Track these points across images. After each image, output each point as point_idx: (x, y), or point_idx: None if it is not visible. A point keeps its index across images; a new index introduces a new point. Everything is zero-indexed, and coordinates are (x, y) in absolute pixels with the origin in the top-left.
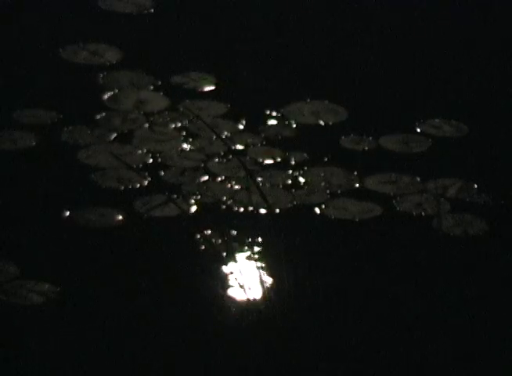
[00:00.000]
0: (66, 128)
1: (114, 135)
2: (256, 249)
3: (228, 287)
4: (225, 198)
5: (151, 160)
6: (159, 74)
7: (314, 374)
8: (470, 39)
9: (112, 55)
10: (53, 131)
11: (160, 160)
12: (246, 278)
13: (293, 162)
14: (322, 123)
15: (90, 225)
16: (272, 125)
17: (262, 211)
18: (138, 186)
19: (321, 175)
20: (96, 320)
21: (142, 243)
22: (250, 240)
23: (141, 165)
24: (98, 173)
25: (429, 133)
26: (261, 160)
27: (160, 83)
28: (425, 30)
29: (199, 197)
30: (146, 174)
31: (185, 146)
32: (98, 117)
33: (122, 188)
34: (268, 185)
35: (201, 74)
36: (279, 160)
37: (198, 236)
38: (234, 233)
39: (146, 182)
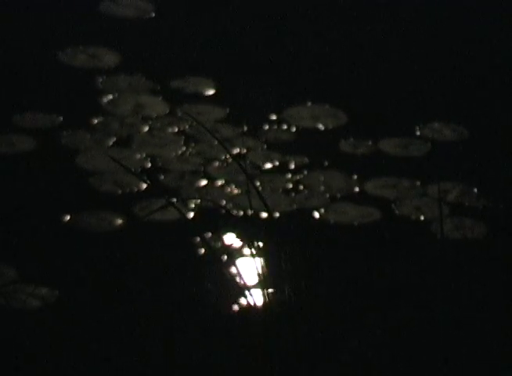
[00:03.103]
0: (65, 132)
1: (113, 139)
2: (255, 253)
3: (228, 291)
4: (224, 202)
5: (150, 165)
6: (158, 78)
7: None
8: (471, 42)
9: (111, 59)
10: (52, 135)
11: (159, 164)
12: (245, 282)
13: (292, 166)
14: (321, 127)
15: (89, 229)
16: (272, 129)
17: (262, 215)
18: (138, 190)
19: (320, 179)
20: (95, 324)
21: (141, 247)
22: (249, 244)
23: (139, 169)
24: (96, 177)
25: (429, 137)
26: (260, 164)
27: (159, 87)
28: (425, 33)
29: (198, 201)
30: (145, 178)
31: (185, 150)
32: (97, 121)
33: (121, 192)
34: (267, 189)
35: (200, 79)
36: (278, 164)
37: (197, 240)
38: (233, 237)
39: (144, 186)
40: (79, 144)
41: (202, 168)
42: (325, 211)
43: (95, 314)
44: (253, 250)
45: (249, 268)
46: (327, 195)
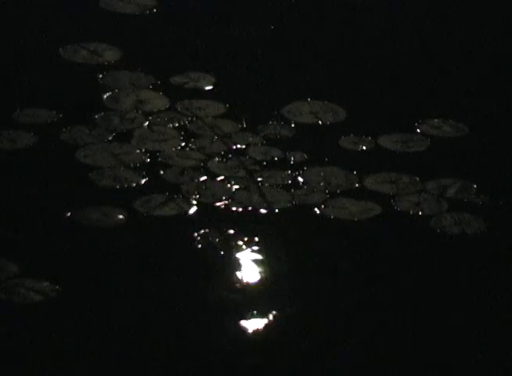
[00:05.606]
0: (65, 128)
1: (113, 134)
2: (255, 249)
3: (228, 286)
4: (224, 198)
5: (151, 160)
6: (158, 73)
7: (312, 373)
8: (470, 40)
9: (112, 54)
10: (52, 130)
11: (159, 159)
12: (245, 278)
13: (292, 162)
14: (321, 123)
15: (89, 223)
16: (272, 125)
17: (262, 210)
18: (138, 185)
19: (320, 175)
20: (95, 319)
21: (141, 242)
22: (249, 239)
23: (139, 164)
24: (96, 172)
25: (428, 133)
26: (260, 159)
27: (159, 83)
28: (425, 31)
29: (198, 196)
30: (145, 173)
31: (185, 145)
32: (97, 116)
33: (121, 187)
34: (267, 184)
35: (201, 74)
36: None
37: (197, 235)
38: (233, 232)
39: (143, 181)
40: (79, 139)
41: (202, 164)
42: (325, 206)
43: (95, 309)
44: (252, 245)
45: (249, 263)
46: (327, 191)
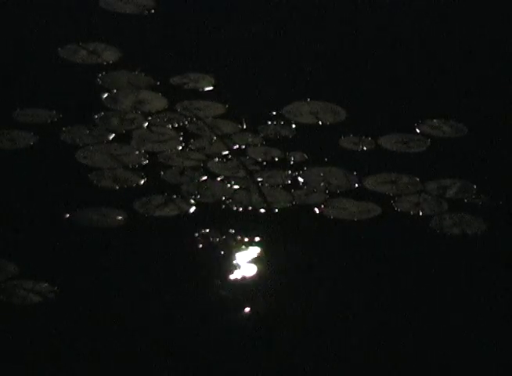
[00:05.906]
0: (64, 128)
1: (113, 135)
2: (255, 249)
3: (228, 286)
4: (224, 198)
5: (150, 161)
6: (158, 74)
7: (312, 373)
8: (471, 40)
9: (111, 54)
10: (52, 130)
11: (159, 160)
12: (245, 278)
13: (292, 162)
14: (321, 123)
15: (89, 224)
16: (272, 125)
17: (261, 211)
18: (137, 185)
19: (320, 175)
20: (95, 320)
21: (141, 243)
22: (249, 240)
23: (138, 165)
24: (96, 173)
25: (428, 133)
26: (260, 160)
27: (158, 83)
28: (425, 31)
29: (198, 196)
30: (145, 173)
31: (184, 146)
32: (96, 116)
33: (120, 188)
34: (267, 185)
35: (200, 75)
36: (278, 160)
37: (197, 235)
38: (233, 232)
39: (143, 182)
40: (78, 140)
41: (202, 164)
42: (324, 206)
43: (95, 309)
44: (252, 245)
45: (248, 263)
46: (327, 191)
